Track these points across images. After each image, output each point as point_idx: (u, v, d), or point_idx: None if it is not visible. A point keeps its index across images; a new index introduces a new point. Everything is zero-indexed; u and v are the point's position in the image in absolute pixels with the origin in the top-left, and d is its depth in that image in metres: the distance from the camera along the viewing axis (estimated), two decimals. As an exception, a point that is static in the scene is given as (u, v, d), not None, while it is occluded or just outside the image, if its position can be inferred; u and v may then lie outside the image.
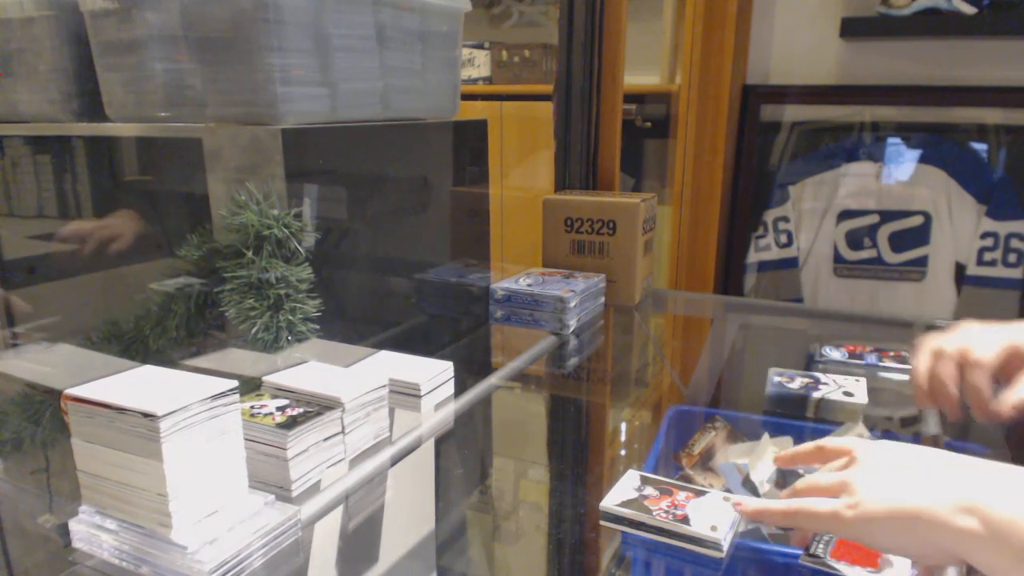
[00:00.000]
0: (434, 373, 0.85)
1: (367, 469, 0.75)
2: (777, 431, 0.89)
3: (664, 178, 2.24)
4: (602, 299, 1.33)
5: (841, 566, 0.59)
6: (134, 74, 0.86)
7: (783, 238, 1.95)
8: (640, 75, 2.20)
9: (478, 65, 2.34)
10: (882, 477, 0.51)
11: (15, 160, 1.19)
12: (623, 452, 1.01)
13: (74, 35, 0.91)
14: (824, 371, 1.05)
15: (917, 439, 0.98)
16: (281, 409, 0.71)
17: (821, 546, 0.61)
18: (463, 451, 0.90)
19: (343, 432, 0.72)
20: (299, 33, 0.81)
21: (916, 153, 1.83)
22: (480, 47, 2.33)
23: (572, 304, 1.18)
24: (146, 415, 0.58)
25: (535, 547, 0.78)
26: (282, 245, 0.79)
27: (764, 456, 0.82)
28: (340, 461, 0.73)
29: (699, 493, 0.68)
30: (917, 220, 1.83)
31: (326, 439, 0.70)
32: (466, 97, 1.21)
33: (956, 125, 1.83)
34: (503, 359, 1.13)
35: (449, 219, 1.18)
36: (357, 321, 1.00)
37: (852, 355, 1.14)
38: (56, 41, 0.92)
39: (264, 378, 0.76)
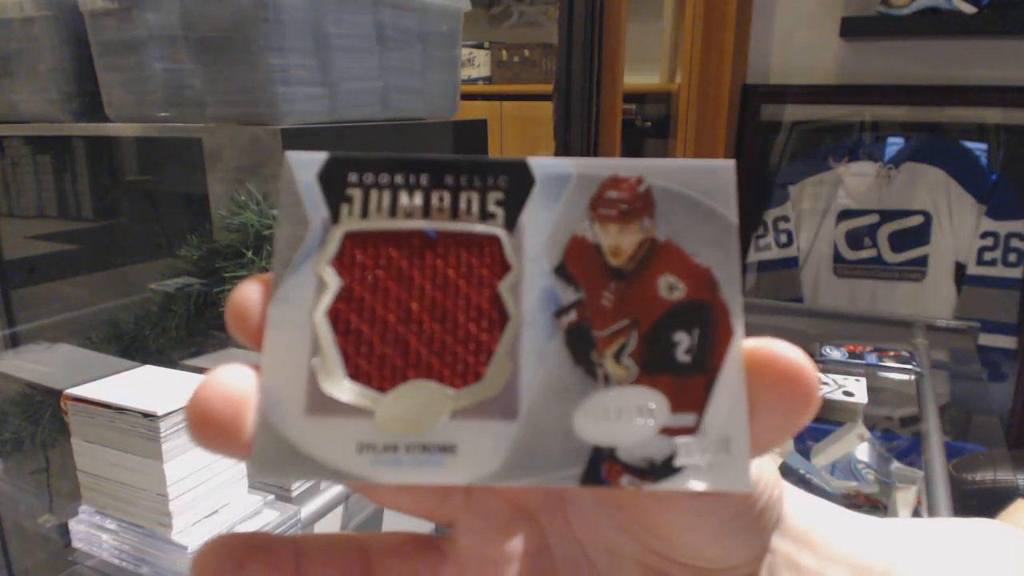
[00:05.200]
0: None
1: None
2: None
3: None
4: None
5: None
6: (134, 74, 0.86)
7: (783, 238, 1.95)
8: (640, 75, 2.20)
9: (478, 65, 2.34)
10: None
11: (15, 160, 1.19)
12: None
13: (74, 35, 0.91)
14: (824, 371, 1.05)
15: (917, 439, 0.98)
16: (281, 409, 0.71)
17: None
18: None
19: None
20: (299, 33, 0.81)
21: (916, 153, 1.83)
22: (480, 47, 2.33)
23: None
24: (146, 415, 0.58)
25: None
26: (282, 245, 0.79)
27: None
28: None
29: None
30: (917, 220, 1.83)
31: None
32: (466, 97, 1.21)
33: (956, 125, 1.83)
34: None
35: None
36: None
37: (852, 355, 1.14)
38: (56, 41, 0.92)
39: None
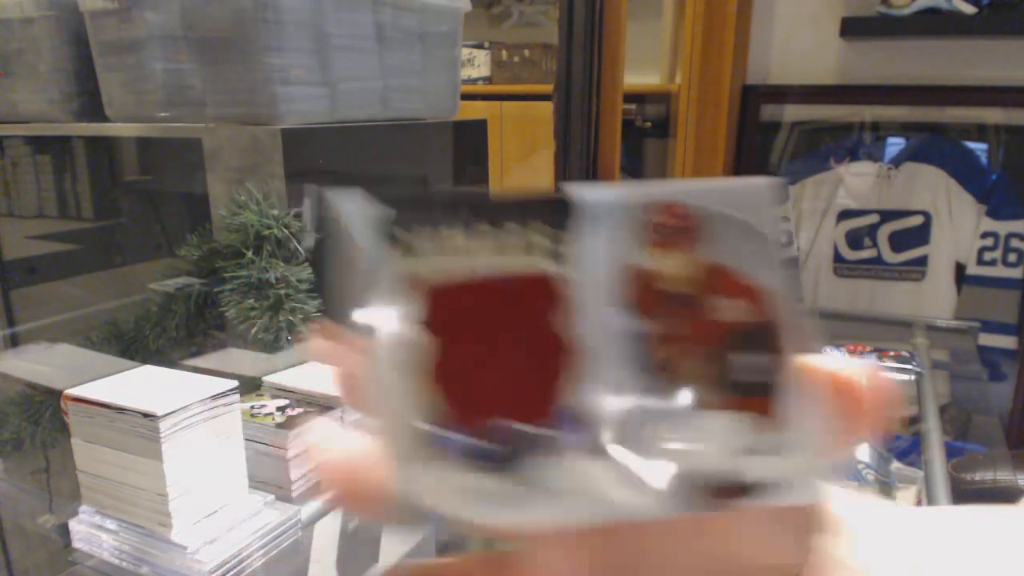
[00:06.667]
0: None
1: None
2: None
3: (664, 178, 2.24)
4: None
5: None
6: (134, 74, 0.86)
7: (783, 238, 1.96)
8: (640, 75, 2.19)
9: (478, 65, 2.34)
10: None
11: (15, 160, 1.19)
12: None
13: (74, 35, 0.91)
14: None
15: (917, 439, 0.98)
16: (281, 409, 0.71)
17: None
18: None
19: (343, 432, 0.72)
20: (299, 33, 0.81)
21: (916, 153, 1.83)
22: (480, 47, 2.33)
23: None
24: (146, 415, 0.58)
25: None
26: (282, 245, 0.79)
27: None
28: (340, 461, 0.73)
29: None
30: (917, 220, 1.83)
31: (326, 439, 0.70)
32: (466, 97, 1.21)
33: (956, 125, 1.83)
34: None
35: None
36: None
37: (852, 355, 1.14)
38: (56, 41, 0.92)
39: (264, 378, 0.76)
